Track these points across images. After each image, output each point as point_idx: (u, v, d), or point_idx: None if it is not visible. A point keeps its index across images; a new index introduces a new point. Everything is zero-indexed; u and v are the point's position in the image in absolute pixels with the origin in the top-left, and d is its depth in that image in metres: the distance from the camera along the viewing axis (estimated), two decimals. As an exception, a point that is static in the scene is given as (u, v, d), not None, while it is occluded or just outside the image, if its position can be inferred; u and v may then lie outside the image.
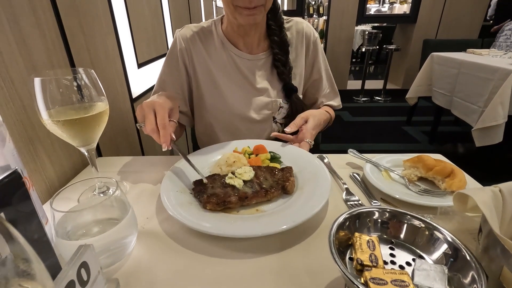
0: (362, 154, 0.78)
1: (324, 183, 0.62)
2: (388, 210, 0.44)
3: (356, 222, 0.43)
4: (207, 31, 0.93)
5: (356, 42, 5.40)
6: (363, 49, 4.77)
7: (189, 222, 0.52)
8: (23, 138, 0.63)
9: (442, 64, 2.72)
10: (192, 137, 1.19)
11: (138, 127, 0.80)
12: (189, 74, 0.94)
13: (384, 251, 0.40)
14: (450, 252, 0.38)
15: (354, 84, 5.08)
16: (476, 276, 0.33)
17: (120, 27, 1.07)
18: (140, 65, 1.25)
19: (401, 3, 6.00)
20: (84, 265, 0.35)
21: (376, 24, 6.39)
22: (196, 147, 1.16)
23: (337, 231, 0.39)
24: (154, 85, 0.97)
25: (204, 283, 0.45)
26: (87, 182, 0.55)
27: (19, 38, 0.62)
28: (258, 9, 0.78)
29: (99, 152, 0.93)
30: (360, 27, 6.04)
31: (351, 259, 0.39)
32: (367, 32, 4.64)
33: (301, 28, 0.97)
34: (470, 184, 0.66)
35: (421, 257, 0.40)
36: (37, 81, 0.49)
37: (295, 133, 0.87)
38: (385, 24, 6.19)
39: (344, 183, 0.69)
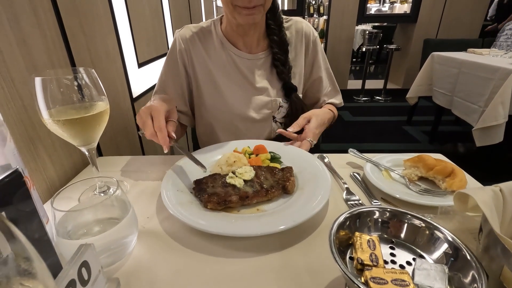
0: (363, 154, 0.78)
1: (324, 183, 0.62)
2: (388, 209, 0.44)
3: (357, 221, 0.43)
4: (207, 31, 0.94)
5: (356, 41, 5.40)
6: (364, 49, 4.78)
7: (190, 221, 0.52)
8: (24, 138, 0.63)
9: (442, 63, 2.72)
10: (192, 137, 1.20)
11: (141, 135, 0.83)
12: (188, 74, 0.95)
13: (384, 250, 0.40)
14: (451, 252, 0.38)
15: (354, 84, 5.07)
16: (476, 275, 0.33)
17: (120, 26, 1.07)
18: (140, 65, 1.25)
19: (401, 2, 6.00)
20: (85, 264, 0.35)
21: (376, 24, 6.38)
22: (196, 147, 1.16)
23: (337, 231, 0.39)
24: (154, 85, 0.98)
25: (205, 282, 0.45)
26: (87, 181, 0.55)
27: (20, 38, 0.62)
28: (257, 8, 0.78)
29: (99, 152, 0.93)
30: (361, 27, 6.04)
31: (351, 258, 0.39)
32: (367, 32, 4.65)
33: (300, 28, 0.97)
34: (471, 184, 0.66)
35: (421, 256, 0.40)
36: (37, 80, 0.49)
37: (298, 133, 0.87)
38: (385, 24, 6.18)
39: (345, 183, 0.69)
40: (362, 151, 0.78)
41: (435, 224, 0.41)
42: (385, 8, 6.54)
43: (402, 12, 5.05)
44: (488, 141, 2.07)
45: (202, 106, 0.97)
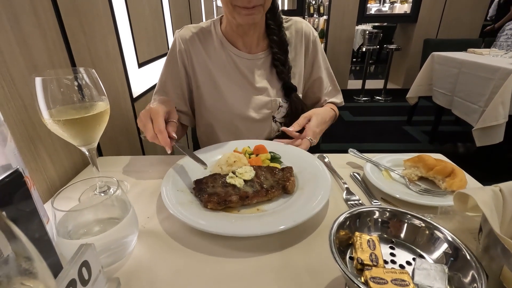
0: (363, 154, 0.78)
1: (324, 183, 0.62)
2: (388, 209, 0.44)
3: (357, 221, 0.43)
4: (206, 32, 0.94)
5: (356, 41, 5.40)
6: (364, 49, 4.78)
7: (190, 221, 0.52)
8: (24, 138, 0.63)
9: (442, 63, 2.72)
10: (192, 137, 1.20)
11: (142, 138, 0.83)
12: (188, 74, 0.95)
13: (384, 250, 0.40)
14: (451, 252, 0.38)
15: (354, 84, 5.08)
16: (476, 275, 0.33)
17: (120, 26, 1.07)
18: (140, 65, 1.25)
19: (401, 2, 6.00)
20: (85, 264, 0.35)
21: (376, 24, 6.38)
22: (196, 147, 1.16)
23: (337, 231, 0.39)
24: (154, 85, 0.98)
25: (205, 282, 0.45)
26: (88, 181, 0.55)
27: (20, 38, 0.62)
28: (257, 8, 0.78)
29: (99, 152, 0.93)
30: (361, 27, 6.04)
31: (351, 258, 0.39)
32: (367, 32, 4.65)
33: (300, 28, 0.97)
34: (471, 184, 0.66)
35: (421, 256, 0.40)
36: (38, 80, 0.49)
37: (299, 132, 0.88)
38: (385, 24, 6.18)
39: (345, 183, 0.69)
40: (362, 151, 0.78)
41: (435, 224, 0.41)
42: (385, 8, 6.54)
43: (402, 12, 5.05)
44: (488, 141, 2.07)
45: (202, 106, 0.97)
